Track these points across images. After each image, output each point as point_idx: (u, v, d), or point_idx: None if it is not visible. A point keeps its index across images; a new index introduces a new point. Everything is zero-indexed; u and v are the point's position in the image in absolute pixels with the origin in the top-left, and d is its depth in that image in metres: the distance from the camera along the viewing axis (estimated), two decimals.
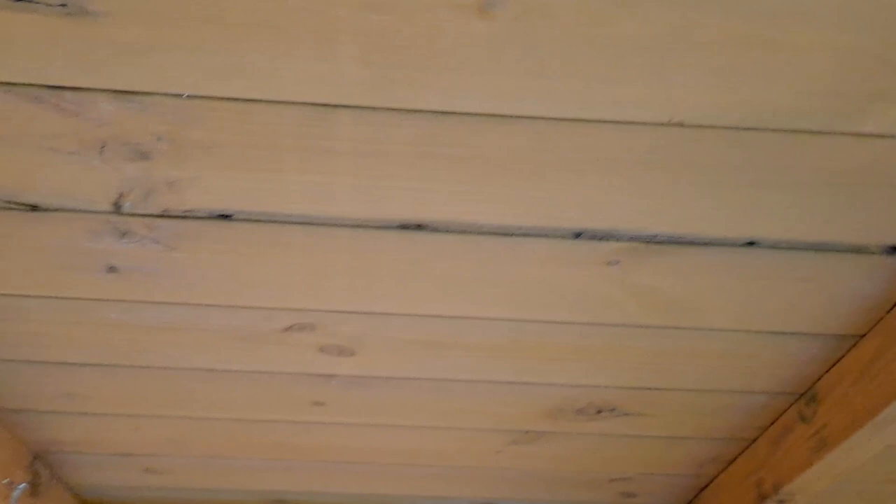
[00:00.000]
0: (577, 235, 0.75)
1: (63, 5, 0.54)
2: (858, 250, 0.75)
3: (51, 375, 1.01)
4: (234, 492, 1.42)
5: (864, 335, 0.89)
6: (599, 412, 1.10)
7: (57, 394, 1.06)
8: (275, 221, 0.74)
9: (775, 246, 0.75)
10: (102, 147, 0.66)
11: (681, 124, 0.63)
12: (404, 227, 0.74)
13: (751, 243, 0.75)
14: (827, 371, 0.97)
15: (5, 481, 1.19)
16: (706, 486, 1.35)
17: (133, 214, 0.73)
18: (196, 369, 1.00)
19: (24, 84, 0.60)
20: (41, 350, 0.95)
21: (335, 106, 0.62)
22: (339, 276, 0.81)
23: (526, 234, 0.75)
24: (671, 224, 0.73)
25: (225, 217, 0.73)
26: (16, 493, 1.22)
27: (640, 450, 1.21)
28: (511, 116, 0.63)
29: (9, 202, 0.72)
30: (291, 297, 0.85)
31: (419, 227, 0.74)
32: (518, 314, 0.87)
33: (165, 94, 0.61)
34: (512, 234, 0.75)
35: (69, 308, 0.86)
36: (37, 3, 0.53)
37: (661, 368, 0.97)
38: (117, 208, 0.72)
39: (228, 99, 0.61)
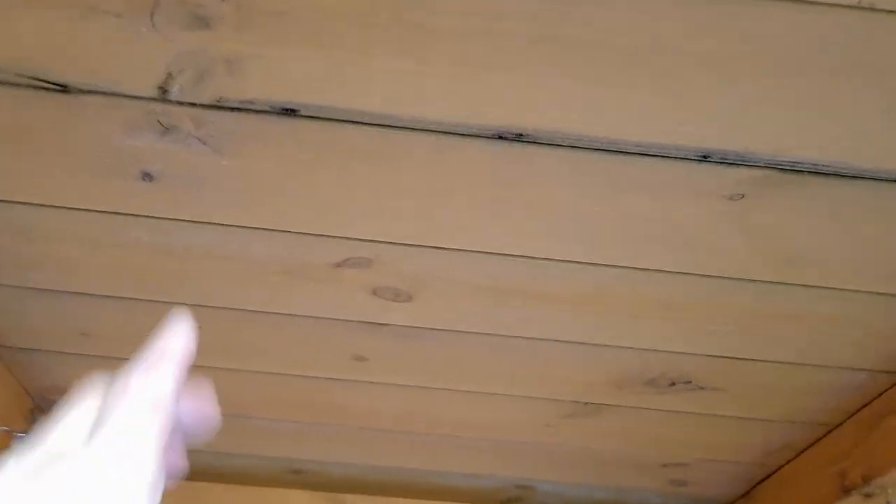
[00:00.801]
0: (704, 158, 0.63)
1: None
2: None
3: (65, 308, 0.89)
4: (251, 457, 1.31)
5: None
6: (672, 384, 0.98)
7: (70, 331, 0.94)
8: (347, 120, 0.62)
9: None
10: (154, 8, 0.54)
11: (873, 7, 0.51)
12: (501, 136, 0.62)
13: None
14: None
15: (3, 429, 1.08)
16: (768, 476, 1.24)
17: (181, 103, 0.61)
18: (227, 309, 0.88)
19: None
20: (56, 276, 0.83)
21: None
22: (411, 196, 0.69)
23: (643, 153, 0.63)
24: (820, 148, 0.62)
25: (289, 112, 0.62)
26: (15, 444, 1.10)
27: (706, 431, 1.10)
28: None
29: (34, 79, 0.60)
30: (350, 222, 0.73)
31: (519, 136, 0.62)
32: (612, 258, 0.75)
33: None
34: (626, 152, 0.63)
35: (92, 224, 0.74)
36: None
37: (756, 334, 0.85)
38: (163, 94, 0.61)
39: None
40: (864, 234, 0.70)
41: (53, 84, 0.60)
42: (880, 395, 0.96)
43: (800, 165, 0.63)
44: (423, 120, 0.61)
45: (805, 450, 1.13)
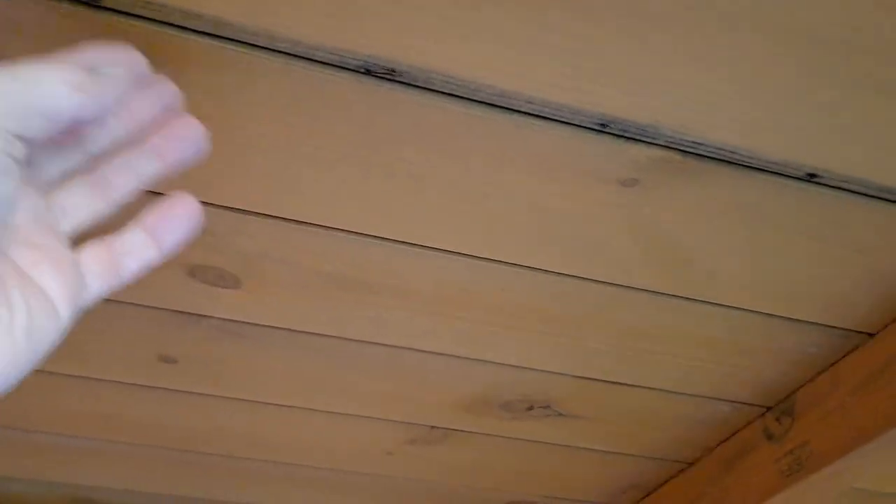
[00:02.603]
0: (602, 127, 0.54)
1: None
2: None
3: None
4: (26, 482, 1.07)
5: (873, 335, 0.74)
6: (530, 409, 0.88)
7: None
8: (168, 23, 0.47)
9: (839, 184, 0.58)
10: None
11: None
12: (369, 70, 0.50)
13: (812, 175, 0.57)
14: (814, 378, 0.81)
15: None
16: None
17: None
18: None
19: None
20: None
21: None
22: (244, 142, 0.55)
23: (534, 113, 0.53)
24: (728, 131, 0.54)
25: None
26: None
27: (559, 465, 1.01)
28: None
29: None
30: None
31: (391, 73, 0.50)
32: (481, 248, 0.64)
33: None
34: (515, 110, 0.53)
35: None
36: None
37: (635, 355, 0.77)
38: None
39: None
40: (758, 242, 0.63)
41: None
42: (739, 430, 0.91)
43: (703, 149, 0.55)
44: (272, 34, 0.48)
45: (655, 490, 1.06)
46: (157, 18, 0.47)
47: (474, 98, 0.52)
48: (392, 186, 0.58)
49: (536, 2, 0.46)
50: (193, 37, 0.48)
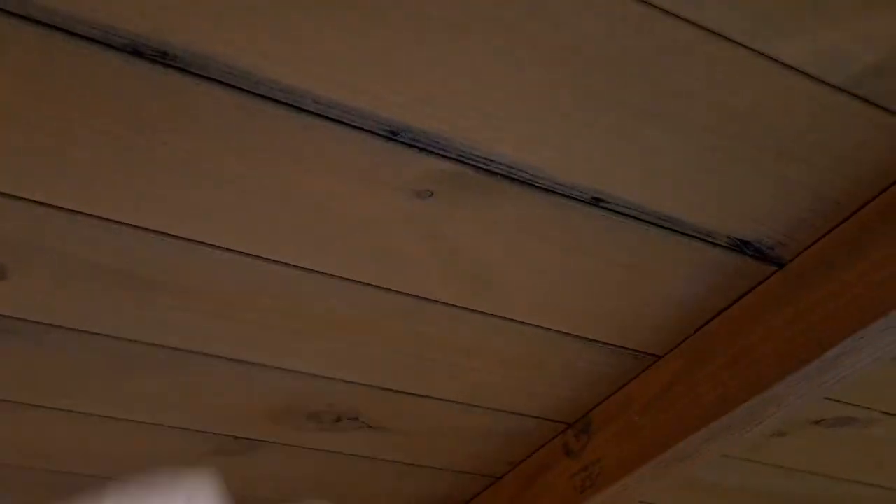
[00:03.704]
0: (392, 135, 0.53)
1: None
2: (706, 237, 0.63)
3: None
4: None
5: (661, 356, 0.78)
6: (338, 420, 0.86)
7: None
8: None
9: (621, 209, 0.60)
10: None
11: None
12: (138, 51, 0.46)
13: (597, 199, 0.59)
14: (608, 397, 0.84)
15: None
16: None
17: None
18: None
19: None
20: None
21: None
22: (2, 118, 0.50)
23: (322, 114, 0.51)
24: (519, 150, 0.54)
25: None
26: None
27: (367, 479, 0.99)
28: None
29: None
30: None
31: (163, 55, 0.47)
32: (272, 250, 0.61)
33: None
34: (302, 109, 0.51)
35: None
36: None
37: (437, 366, 0.76)
38: None
39: None
40: (552, 258, 0.64)
41: None
42: (543, 446, 0.93)
43: (494, 165, 0.56)
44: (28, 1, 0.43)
45: (467, 502, 1.07)
46: None
47: (255, 91, 0.49)
48: (166, 176, 0.55)
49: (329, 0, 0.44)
50: None
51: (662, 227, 0.61)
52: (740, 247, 0.64)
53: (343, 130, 0.52)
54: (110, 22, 0.45)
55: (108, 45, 0.46)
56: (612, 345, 0.74)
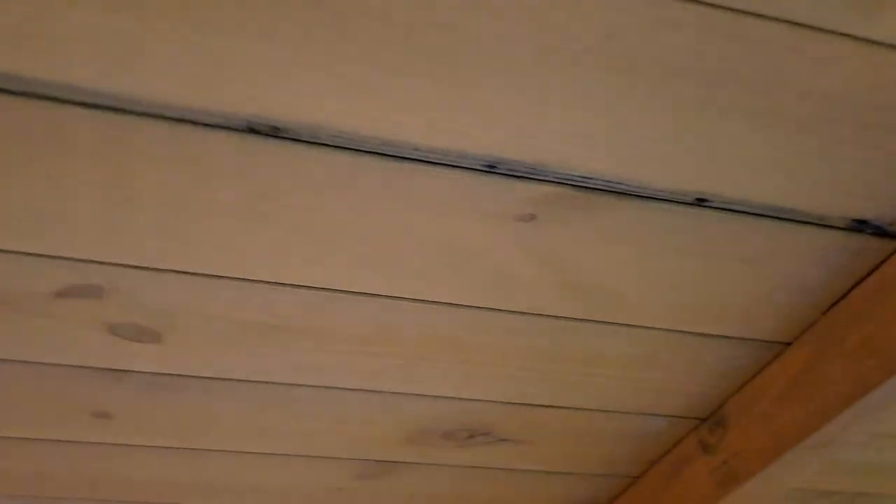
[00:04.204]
0: (491, 168, 0.56)
1: None
2: (820, 222, 0.62)
3: None
4: None
5: (789, 343, 0.76)
6: (472, 437, 0.89)
7: None
8: (50, 97, 0.48)
9: (727, 206, 0.60)
10: None
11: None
12: (253, 129, 0.51)
13: (701, 200, 0.59)
14: (740, 388, 0.83)
15: None
16: None
17: None
18: None
19: None
20: None
21: None
22: (146, 203, 0.56)
23: (421, 160, 0.54)
24: (613, 165, 0.56)
25: None
26: None
27: (508, 489, 1.02)
28: None
29: None
30: (69, 237, 0.58)
31: (275, 130, 0.51)
32: (394, 287, 0.65)
33: None
34: (403, 158, 0.54)
35: None
36: None
37: (560, 378, 0.78)
38: None
39: None
40: (662, 265, 0.65)
41: None
42: (679, 442, 0.92)
43: (592, 182, 0.57)
44: (151, 101, 0.49)
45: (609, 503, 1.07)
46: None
47: (362, 149, 0.53)
48: (294, 235, 0.59)
49: (408, 58, 0.47)
50: (75, 109, 0.49)
51: (773, 217, 0.61)
52: (859, 226, 0.62)
53: (444, 171, 0.55)
54: (227, 108, 0.50)
55: (229, 128, 0.51)
56: (738, 337, 0.74)
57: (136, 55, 0.46)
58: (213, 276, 0.63)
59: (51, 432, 0.82)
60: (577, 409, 0.84)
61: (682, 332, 0.72)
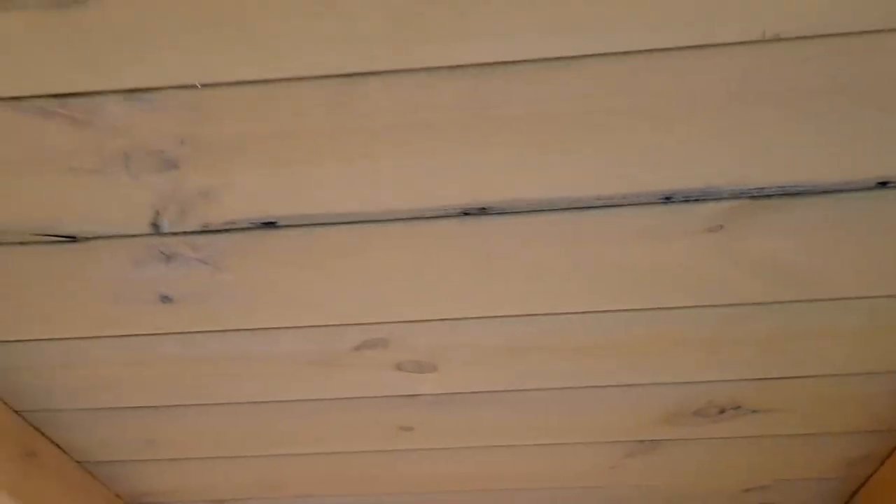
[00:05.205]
0: (667, 199, 0.64)
1: None
2: None
3: (126, 422, 0.96)
4: None
5: None
6: (722, 412, 0.96)
7: (136, 441, 1.01)
8: (322, 224, 0.66)
9: None
10: (126, 159, 0.60)
11: (778, 38, 0.51)
12: (466, 213, 0.65)
13: (883, 183, 0.62)
14: None
15: None
16: (858, 489, 1.17)
17: (174, 234, 0.67)
18: (270, 402, 0.93)
19: (28, 97, 0.55)
20: (109, 395, 0.90)
21: (362, 74, 0.54)
22: (402, 279, 0.73)
23: (605, 205, 0.64)
24: (782, 171, 0.61)
25: (269, 225, 0.67)
26: None
27: (776, 452, 1.06)
28: (570, 58, 0.53)
29: (44, 235, 0.67)
30: (355, 310, 0.77)
31: (483, 210, 0.65)
32: (610, 304, 0.76)
33: (178, 87, 0.55)
34: (590, 207, 0.65)
35: (128, 345, 0.81)
36: None
37: (790, 353, 0.83)
38: (156, 228, 0.67)
39: (246, 83, 0.55)
40: (861, 241, 0.68)
41: (62, 236, 0.68)
42: None
43: (767, 191, 0.63)
44: (387, 211, 0.65)
45: (888, 458, 1.07)
46: None
47: (554, 209, 0.64)
48: (506, 281, 0.72)
49: (572, 132, 0.58)
50: (338, 227, 0.66)
51: None
52: None
53: (626, 210, 0.65)
54: (442, 203, 0.64)
55: (445, 216, 0.65)
56: None
57: (372, 185, 0.62)
58: (463, 318, 0.78)
59: (369, 445, 1.04)
60: (823, 376, 0.87)
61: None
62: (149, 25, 0.51)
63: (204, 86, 0.55)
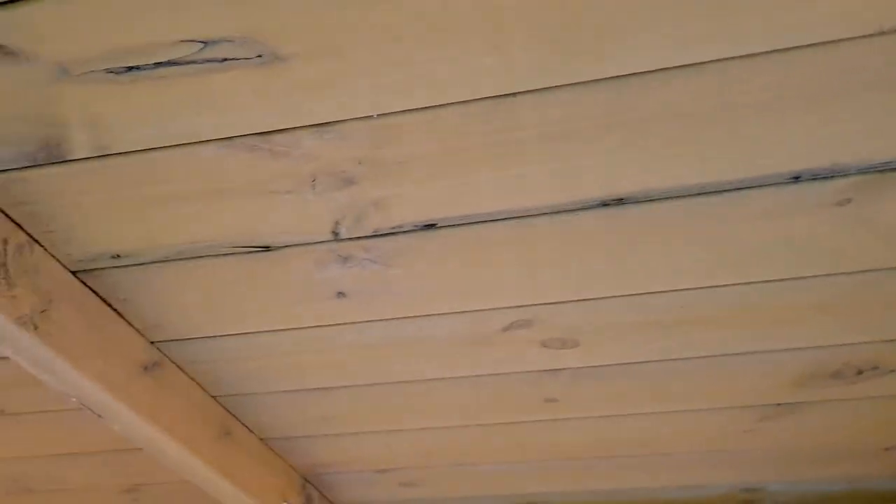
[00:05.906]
0: (796, 179, 0.69)
1: (259, 56, 0.60)
2: None
3: (306, 402, 1.10)
4: (484, 498, 1.46)
5: None
6: (860, 373, 0.99)
7: (314, 418, 1.15)
8: (477, 222, 0.76)
9: None
10: (313, 181, 0.72)
11: (894, 31, 0.56)
12: (605, 204, 0.73)
13: None
14: None
15: (285, 503, 1.32)
16: None
17: (350, 239, 0.78)
18: (431, 380, 1.04)
19: (239, 136, 0.67)
20: (294, 380, 1.04)
21: (515, 94, 0.62)
22: (548, 266, 0.81)
23: (737, 188, 0.70)
24: None
25: (430, 227, 0.76)
26: None
27: None
28: (694, 64, 0.60)
29: (246, 247, 0.80)
30: (505, 295, 0.86)
31: (620, 201, 0.72)
32: (744, 277, 0.81)
33: (358, 119, 0.65)
34: (721, 191, 0.71)
35: (311, 337, 0.94)
36: (238, 59, 0.60)
37: None
38: (336, 236, 0.78)
39: (414, 110, 0.64)
40: None
41: (259, 247, 0.80)
42: None
43: (893, 164, 0.67)
44: (535, 207, 0.73)
45: None
46: None
47: (686, 195, 0.71)
48: (643, 262, 0.79)
49: (702, 128, 0.64)
50: (491, 224, 0.75)
51: None
52: None
53: (758, 192, 0.70)
54: (582, 197, 0.72)
55: (585, 208, 0.73)
56: None
57: (522, 187, 0.70)
58: (604, 297, 0.86)
59: (519, 417, 1.14)
60: None
61: None
62: (334, 71, 0.61)
63: (379, 115, 0.64)
